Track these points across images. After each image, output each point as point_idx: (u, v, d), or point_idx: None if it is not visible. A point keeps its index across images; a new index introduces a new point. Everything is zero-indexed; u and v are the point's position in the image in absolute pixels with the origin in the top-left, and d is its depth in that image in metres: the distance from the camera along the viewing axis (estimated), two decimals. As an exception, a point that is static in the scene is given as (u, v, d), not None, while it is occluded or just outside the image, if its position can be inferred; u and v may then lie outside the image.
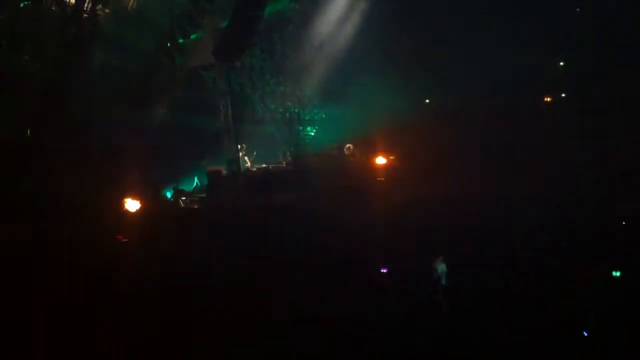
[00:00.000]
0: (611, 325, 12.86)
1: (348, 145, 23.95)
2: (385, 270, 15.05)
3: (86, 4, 19.41)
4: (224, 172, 21.96)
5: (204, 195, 21.82)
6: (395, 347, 12.55)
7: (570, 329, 12.96)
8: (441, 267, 14.88)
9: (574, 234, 16.64)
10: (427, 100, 26.11)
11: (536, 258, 15.73)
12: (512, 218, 17.59)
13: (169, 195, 21.43)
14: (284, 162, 23.96)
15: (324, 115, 24.99)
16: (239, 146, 22.65)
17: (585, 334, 12.79)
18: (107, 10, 20.46)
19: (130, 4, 22.44)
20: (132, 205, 17.66)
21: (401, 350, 12.53)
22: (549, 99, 25.72)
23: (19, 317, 12.70)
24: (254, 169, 23.44)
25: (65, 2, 19.35)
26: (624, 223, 17.28)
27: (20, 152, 18.15)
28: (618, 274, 14.65)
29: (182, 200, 21.19)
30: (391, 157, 22.98)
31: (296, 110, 24.56)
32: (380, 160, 22.40)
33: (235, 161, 22.10)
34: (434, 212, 18.01)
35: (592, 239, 16.25)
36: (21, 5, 18.92)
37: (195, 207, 21.13)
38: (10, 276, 13.69)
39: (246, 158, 23.23)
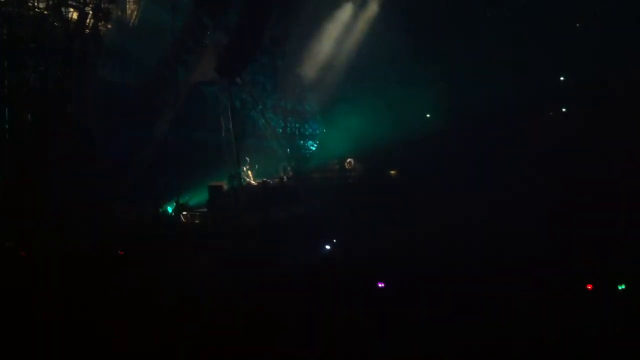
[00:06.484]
0: (615, 338, 12.71)
1: (349, 160, 23.97)
2: (382, 285, 15.00)
3: (89, 20, 19.56)
4: (225, 187, 21.97)
5: (205, 210, 21.81)
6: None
7: (574, 342, 12.80)
8: None
9: (577, 246, 16.52)
10: (428, 115, 26.12)
11: (538, 270, 15.59)
12: (513, 228, 17.53)
13: (170, 209, 21.42)
14: (285, 177, 23.96)
15: (324, 130, 25.02)
16: (242, 161, 22.69)
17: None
18: (109, 26, 20.67)
19: (132, 20, 22.70)
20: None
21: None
22: (550, 113, 25.70)
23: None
24: (255, 184, 23.44)
25: (68, 18, 19.54)
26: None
27: (24, 165, 18.25)
28: (623, 287, 14.52)
29: (183, 215, 21.20)
30: (392, 172, 23.03)
31: (297, 125, 24.63)
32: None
33: (236, 176, 22.12)
34: (437, 226, 17.97)
35: (597, 252, 16.14)
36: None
37: (197, 221, 21.14)
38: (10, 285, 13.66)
39: (249, 172, 23.24)
